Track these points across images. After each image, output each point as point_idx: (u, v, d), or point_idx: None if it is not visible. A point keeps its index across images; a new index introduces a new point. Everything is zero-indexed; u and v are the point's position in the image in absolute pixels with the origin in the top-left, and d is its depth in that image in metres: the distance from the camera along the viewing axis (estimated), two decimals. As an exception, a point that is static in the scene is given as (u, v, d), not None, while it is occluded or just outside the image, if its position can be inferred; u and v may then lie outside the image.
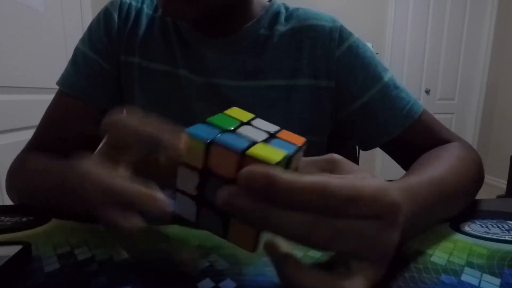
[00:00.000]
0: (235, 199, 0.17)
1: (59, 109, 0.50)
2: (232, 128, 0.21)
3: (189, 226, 0.32)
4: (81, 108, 0.49)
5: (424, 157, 0.41)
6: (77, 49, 0.51)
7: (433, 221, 0.32)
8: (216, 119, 0.22)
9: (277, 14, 0.50)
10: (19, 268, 0.24)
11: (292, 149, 0.20)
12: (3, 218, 0.35)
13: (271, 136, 0.21)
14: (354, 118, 0.49)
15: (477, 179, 0.40)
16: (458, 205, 0.36)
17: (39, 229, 0.32)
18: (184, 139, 0.20)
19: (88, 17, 1.89)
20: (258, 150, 0.19)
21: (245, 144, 0.19)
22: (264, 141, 0.20)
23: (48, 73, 1.49)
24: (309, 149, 0.57)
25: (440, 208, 0.31)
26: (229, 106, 0.50)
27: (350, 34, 0.49)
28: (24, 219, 0.34)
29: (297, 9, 0.51)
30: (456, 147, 0.42)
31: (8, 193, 0.45)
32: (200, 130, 0.20)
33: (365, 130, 0.49)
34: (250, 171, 0.17)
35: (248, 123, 0.23)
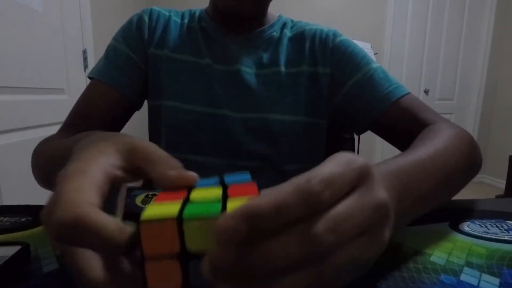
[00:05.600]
0: (221, 261, 0.15)
1: (89, 92, 0.57)
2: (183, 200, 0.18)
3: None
4: (107, 91, 0.56)
5: (417, 138, 0.40)
6: (109, 45, 0.59)
7: (425, 203, 0.29)
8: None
9: (285, 23, 0.63)
10: (18, 268, 0.24)
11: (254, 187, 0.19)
12: (2, 218, 0.35)
13: (224, 190, 0.20)
14: (348, 98, 0.56)
15: (469, 164, 0.37)
16: (452, 186, 0.34)
17: (38, 229, 0.32)
18: (144, 229, 0.16)
19: (87, 18, 1.89)
20: (234, 205, 0.16)
21: (216, 207, 0.17)
22: (224, 195, 0.19)
23: (47, 73, 1.49)
24: (311, 132, 0.58)
25: (432, 189, 0.29)
26: (246, 89, 0.56)
27: (342, 34, 0.60)
28: (23, 219, 0.34)
29: (300, 21, 0.64)
30: (448, 128, 0.41)
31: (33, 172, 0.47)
32: (156, 211, 0.17)
33: (356, 108, 0.55)
34: (228, 219, 0.15)
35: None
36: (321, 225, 0.16)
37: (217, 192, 0.20)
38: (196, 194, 0.19)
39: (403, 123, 0.51)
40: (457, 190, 0.36)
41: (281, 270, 0.15)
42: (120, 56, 0.57)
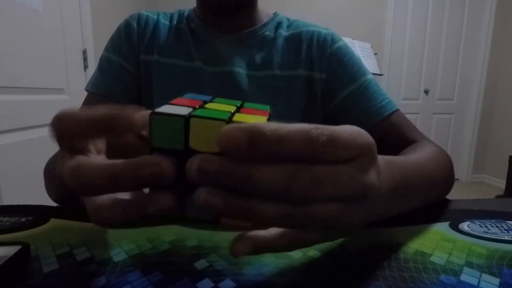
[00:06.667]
0: (210, 163, 0.16)
1: (86, 106, 0.56)
2: (197, 106, 0.20)
3: (189, 226, 0.32)
4: (104, 103, 0.55)
5: (407, 149, 0.45)
6: (102, 57, 0.58)
7: (408, 200, 0.31)
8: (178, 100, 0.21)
9: (280, 22, 0.61)
10: (18, 268, 0.24)
11: (266, 113, 0.21)
12: (2, 218, 0.35)
13: (238, 108, 0.21)
14: (341, 108, 0.56)
15: (449, 178, 0.41)
16: (433, 193, 0.37)
17: (38, 229, 0.32)
18: (154, 121, 0.18)
19: (87, 18, 1.89)
20: (242, 118, 0.18)
21: (225, 115, 0.18)
22: (237, 111, 0.20)
23: (47, 73, 1.49)
24: None
25: (417, 190, 0.32)
26: (239, 92, 0.55)
27: (341, 39, 0.59)
28: (23, 219, 0.34)
29: (297, 20, 0.62)
30: (432, 146, 0.45)
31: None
32: (169, 109, 0.18)
33: (348, 118, 0.55)
34: (234, 128, 0.16)
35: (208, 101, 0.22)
36: (310, 173, 0.17)
37: (230, 107, 0.21)
38: (210, 105, 0.21)
39: (390, 138, 0.53)
40: (437, 198, 0.40)
41: (260, 197, 0.17)
42: (113, 66, 0.57)
